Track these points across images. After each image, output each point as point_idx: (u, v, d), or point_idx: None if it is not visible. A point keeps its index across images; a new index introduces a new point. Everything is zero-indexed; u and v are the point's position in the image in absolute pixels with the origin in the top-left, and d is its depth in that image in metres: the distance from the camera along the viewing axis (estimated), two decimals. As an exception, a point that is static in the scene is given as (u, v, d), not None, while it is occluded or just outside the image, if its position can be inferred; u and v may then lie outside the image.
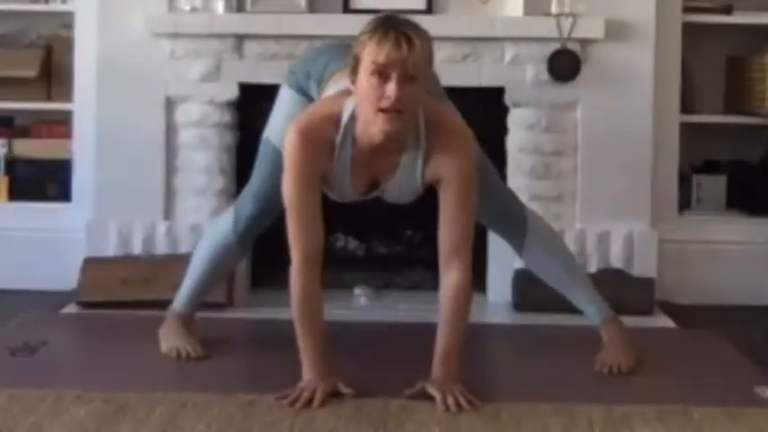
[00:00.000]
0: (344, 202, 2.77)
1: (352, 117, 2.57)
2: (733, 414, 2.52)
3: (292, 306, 2.61)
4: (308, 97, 2.85)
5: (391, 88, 2.43)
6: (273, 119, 2.93)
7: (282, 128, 2.76)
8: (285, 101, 2.92)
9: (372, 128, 2.51)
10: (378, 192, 2.72)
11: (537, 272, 3.03)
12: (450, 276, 2.59)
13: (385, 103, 2.45)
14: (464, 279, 2.59)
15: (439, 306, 2.62)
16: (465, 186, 2.59)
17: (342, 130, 2.58)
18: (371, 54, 2.45)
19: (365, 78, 2.47)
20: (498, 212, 2.96)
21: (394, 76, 2.43)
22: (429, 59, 2.51)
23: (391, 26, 2.47)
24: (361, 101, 2.52)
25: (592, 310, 3.00)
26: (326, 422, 2.42)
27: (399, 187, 2.67)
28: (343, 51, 2.74)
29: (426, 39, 2.49)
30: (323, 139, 2.58)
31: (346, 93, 2.60)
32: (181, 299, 3.06)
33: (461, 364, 2.60)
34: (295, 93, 2.89)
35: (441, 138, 2.59)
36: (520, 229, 2.96)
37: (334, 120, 2.58)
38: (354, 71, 2.51)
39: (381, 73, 2.44)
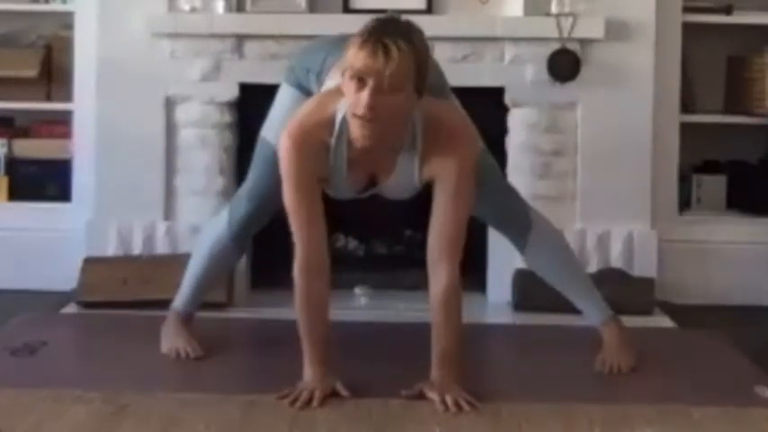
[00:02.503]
0: (343, 200, 2.76)
1: (346, 118, 2.55)
2: (733, 414, 2.53)
3: (296, 307, 2.61)
4: (307, 93, 2.83)
5: (364, 96, 2.41)
6: (271, 117, 2.92)
7: (280, 126, 2.74)
8: (284, 99, 2.91)
9: (353, 130, 2.51)
10: (376, 190, 2.72)
11: (538, 271, 3.02)
12: (439, 279, 2.58)
13: (359, 110, 2.44)
14: (452, 281, 2.58)
15: (431, 311, 2.61)
16: (458, 188, 2.58)
17: (336, 131, 2.57)
18: (351, 57, 2.44)
19: (347, 80, 2.46)
20: (501, 211, 2.95)
21: (370, 85, 2.41)
22: (414, 71, 2.44)
23: (376, 33, 2.43)
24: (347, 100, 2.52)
25: (592, 311, 2.99)
26: (326, 422, 2.42)
27: (396, 185, 2.66)
28: (340, 43, 2.71)
29: (413, 50, 2.43)
30: (317, 143, 2.57)
31: (340, 91, 2.57)
32: (181, 298, 3.06)
33: (459, 365, 2.60)
34: (294, 90, 2.88)
35: (438, 138, 2.58)
36: (523, 228, 2.95)
37: (328, 122, 2.57)
38: (344, 71, 2.51)
39: (360, 78, 2.43)
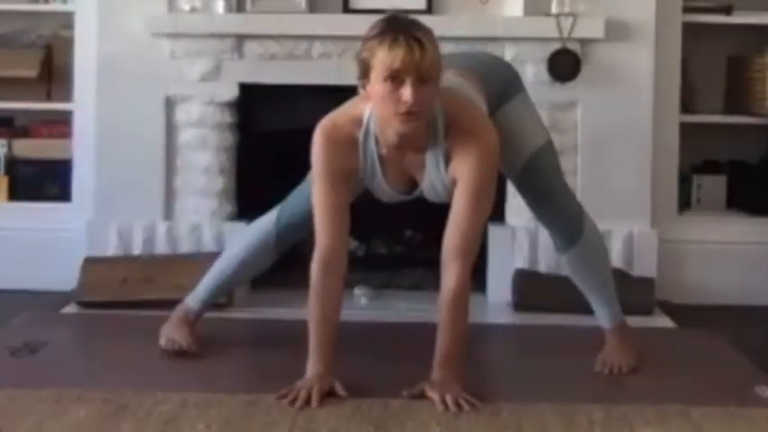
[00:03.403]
0: (391, 203, 2.77)
1: (372, 116, 2.58)
2: (733, 414, 2.52)
3: (308, 300, 2.62)
4: None
5: (408, 93, 2.44)
6: None
7: None
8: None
9: (388, 130, 2.53)
10: (418, 191, 2.72)
11: (571, 272, 2.98)
12: (449, 280, 2.58)
13: (402, 108, 2.46)
14: (462, 284, 2.58)
15: (438, 309, 2.61)
16: (476, 191, 2.58)
17: (364, 128, 2.60)
18: (385, 60, 2.45)
19: (379, 84, 2.47)
20: (558, 209, 2.91)
21: (409, 81, 2.44)
22: (440, 57, 2.51)
23: (400, 30, 2.46)
24: (375, 105, 2.53)
25: (605, 313, 2.97)
26: (326, 422, 2.42)
27: (432, 184, 2.67)
28: None
29: (433, 38, 2.49)
30: (346, 138, 2.60)
31: (366, 96, 2.60)
32: (197, 294, 3.04)
33: (461, 367, 2.60)
34: None
35: (460, 138, 2.58)
36: (571, 235, 2.90)
37: (357, 119, 2.61)
38: (365, 76, 2.51)
39: (395, 78, 2.45)
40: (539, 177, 2.85)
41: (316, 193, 2.62)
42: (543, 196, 2.88)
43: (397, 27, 2.47)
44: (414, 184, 2.70)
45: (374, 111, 2.56)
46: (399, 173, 2.67)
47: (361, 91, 2.56)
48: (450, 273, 2.58)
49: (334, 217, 2.60)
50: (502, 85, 2.84)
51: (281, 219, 2.94)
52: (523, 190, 2.91)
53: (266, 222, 2.97)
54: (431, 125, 2.58)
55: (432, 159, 2.62)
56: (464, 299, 2.59)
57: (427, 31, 2.49)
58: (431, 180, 2.65)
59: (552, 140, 2.91)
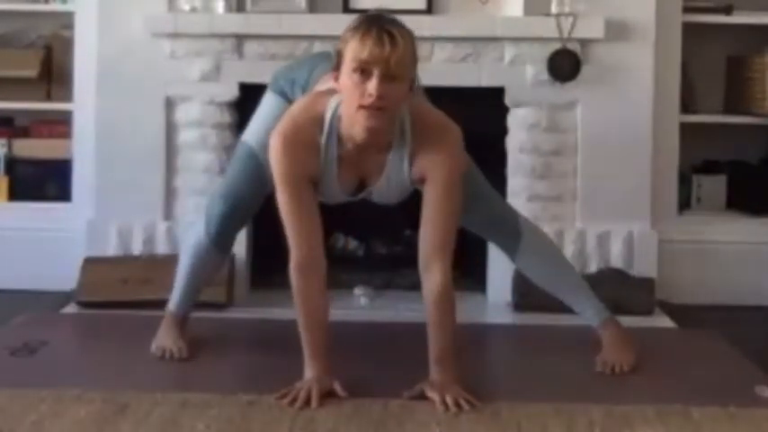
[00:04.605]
0: (331, 204, 2.75)
1: (336, 116, 2.56)
2: (733, 414, 2.53)
3: (295, 307, 2.61)
4: (291, 102, 2.83)
5: (373, 85, 2.43)
6: (253, 122, 2.92)
7: (260, 130, 2.80)
8: (267, 104, 2.92)
9: (355, 125, 2.51)
10: (365, 193, 2.71)
11: (531, 278, 3.02)
12: (431, 280, 2.58)
13: (366, 101, 2.44)
14: (444, 282, 2.57)
15: (425, 311, 2.61)
16: (448, 187, 2.58)
17: (326, 129, 2.57)
18: (354, 51, 2.44)
19: (347, 75, 2.47)
20: (489, 220, 2.94)
21: (376, 74, 2.43)
22: (413, 59, 2.50)
23: (375, 23, 2.46)
24: (344, 97, 2.52)
25: (589, 313, 2.99)
26: (326, 422, 2.42)
27: (387, 186, 2.66)
28: (327, 57, 2.73)
29: (410, 38, 2.49)
30: (307, 141, 2.57)
31: (330, 92, 2.59)
32: (173, 300, 3.05)
33: (457, 365, 2.60)
34: (278, 96, 2.89)
35: (427, 136, 2.58)
36: (512, 238, 2.94)
37: (318, 121, 2.58)
38: (338, 68, 2.51)
39: (363, 70, 2.44)
40: (471, 186, 2.79)
41: (282, 200, 2.58)
42: (478, 205, 2.86)
43: (372, 21, 2.47)
44: (362, 184, 2.68)
45: (341, 107, 2.54)
46: (353, 173, 2.65)
47: (334, 84, 2.54)
48: (433, 273, 2.58)
49: (303, 222, 2.58)
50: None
51: (210, 225, 2.91)
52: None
53: (199, 233, 2.94)
54: (397, 125, 2.57)
55: (395, 159, 2.61)
56: (450, 296, 2.59)
57: (404, 31, 2.48)
58: (387, 181, 2.64)
59: (469, 159, 2.84)
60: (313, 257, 2.59)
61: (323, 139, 2.58)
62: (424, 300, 2.60)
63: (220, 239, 2.94)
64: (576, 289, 3.01)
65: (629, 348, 2.94)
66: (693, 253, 3.96)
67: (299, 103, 2.68)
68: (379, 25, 2.45)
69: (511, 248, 2.96)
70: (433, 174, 2.57)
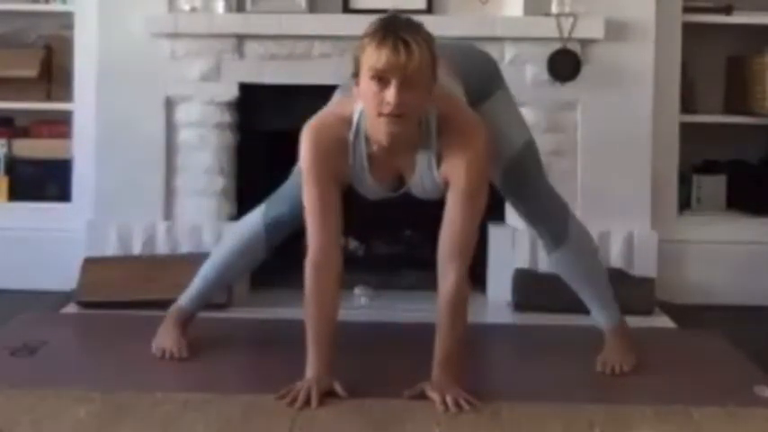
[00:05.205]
0: (375, 200, 2.76)
1: (363, 116, 2.57)
2: (733, 414, 2.53)
3: (304, 302, 2.62)
4: None
5: (390, 94, 2.43)
6: None
7: None
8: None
9: (377, 130, 2.52)
10: (405, 188, 2.71)
11: (560, 274, 2.99)
12: (446, 282, 2.58)
13: (385, 109, 2.45)
14: (460, 285, 2.57)
15: (437, 311, 2.60)
16: (470, 192, 2.58)
17: (354, 128, 2.59)
18: (370, 59, 2.44)
19: (365, 83, 2.47)
20: (537, 212, 2.92)
21: (393, 82, 2.43)
22: (431, 62, 2.49)
23: (391, 30, 2.45)
24: (364, 105, 2.53)
25: (602, 314, 2.97)
26: (326, 422, 2.42)
27: (421, 184, 2.66)
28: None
29: (426, 42, 2.47)
30: (336, 138, 2.60)
31: (356, 96, 2.59)
32: (188, 294, 3.04)
33: (460, 367, 2.60)
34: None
35: (452, 139, 2.58)
36: (556, 237, 2.91)
37: (347, 119, 2.60)
38: (357, 74, 2.51)
39: (381, 78, 2.44)
40: (522, 177, 2.85)
41: (306, 194, 2.60)
42: (527, 196, 2.88)
43: (389, 27, 2.46)
44: (401, 181, 2.69)
45: (364, 110, 2.56)
46: (388, 170, 2.66)
47: (354, 89, 2.55)
48: (449, 274, 2.58)
49: (325, 217, 2.59)
50: (484, 79, 2.84)
51: (269, 215, 2.93)
52: (507, 191, 2.90)
53: (254, 220, 2.96)
54: (423, 126, 2.58)
55: (423, 160, 2.62)
56: (463, 300, 2.59)
57: (422, 36, 2.46)
58: (420, 179, 2.65)
59: (533, 139, 2.90)
60: (328, 254, 2.60)
61: (351, 137, 2.59)
62: (438, 301, 2.60)
63: (274, 234, 2.93)
64: (597, 294, 2.97)
65: (630, 350, 2.94)
66: (693, 253, 3.96)
67: (330, 104, 2.71)
68: (395, 32, 2.44)
69: (549, 247, 2.93)
70: (455, 178, 2.58)
